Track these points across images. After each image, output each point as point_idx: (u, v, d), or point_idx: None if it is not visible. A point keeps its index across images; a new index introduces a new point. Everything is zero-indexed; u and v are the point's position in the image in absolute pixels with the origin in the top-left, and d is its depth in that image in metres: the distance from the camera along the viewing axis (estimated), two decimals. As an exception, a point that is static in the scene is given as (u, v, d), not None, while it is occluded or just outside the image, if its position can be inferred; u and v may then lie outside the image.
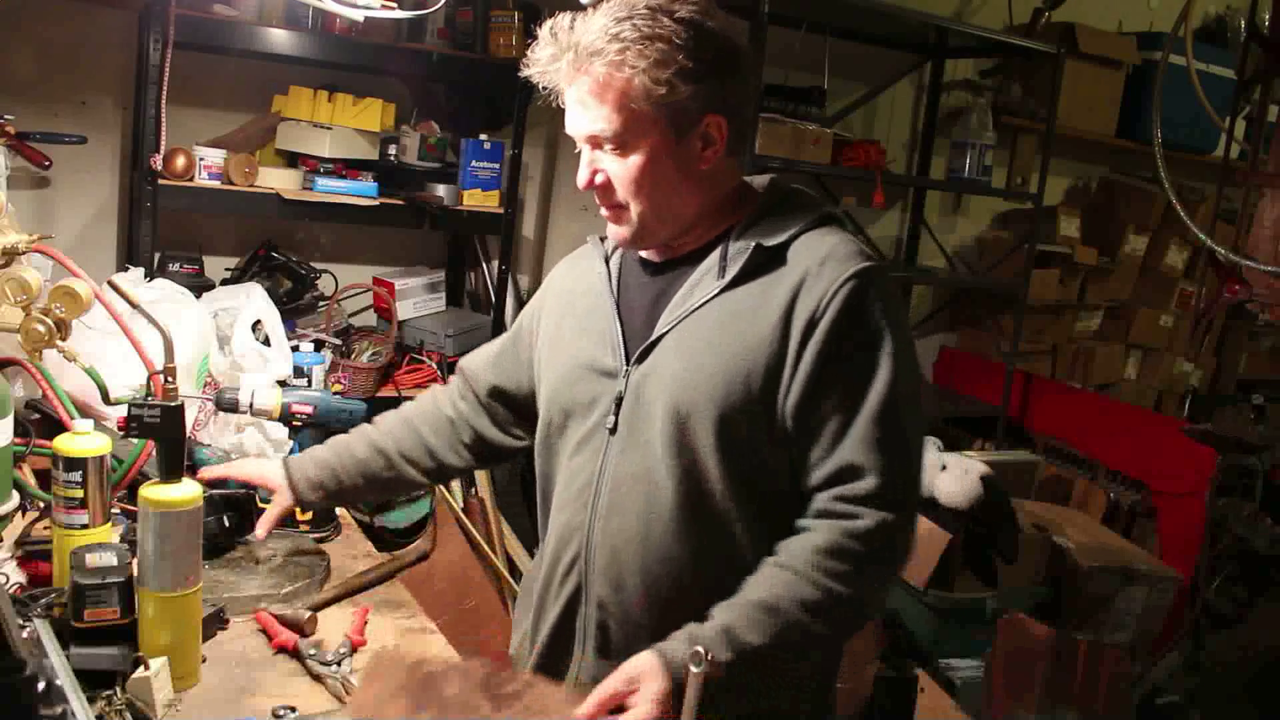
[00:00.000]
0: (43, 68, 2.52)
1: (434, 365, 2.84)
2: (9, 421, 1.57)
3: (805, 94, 3.40)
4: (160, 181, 2.45)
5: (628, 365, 1.32)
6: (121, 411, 1.48)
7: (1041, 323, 4.31)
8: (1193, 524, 3.27)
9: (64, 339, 1.60)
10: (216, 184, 2.56)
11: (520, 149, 2.93)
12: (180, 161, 2.49)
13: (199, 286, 2.49)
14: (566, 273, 1.49)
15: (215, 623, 1.42)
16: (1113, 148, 4.46)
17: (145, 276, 2.25)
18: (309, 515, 1.77)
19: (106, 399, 1.68)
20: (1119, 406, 4.06)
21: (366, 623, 1.52)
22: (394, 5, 2.12)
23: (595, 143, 1.27)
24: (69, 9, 2.50)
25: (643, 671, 1.15)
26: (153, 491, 1.27)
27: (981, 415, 3.94)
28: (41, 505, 1.63)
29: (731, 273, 1.27)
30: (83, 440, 1.39)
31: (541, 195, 3.34)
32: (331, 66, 2.73)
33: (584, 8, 1.25)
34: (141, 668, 1.22)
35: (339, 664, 1.38)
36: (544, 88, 1.28)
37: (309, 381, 2.39)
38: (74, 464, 1.38)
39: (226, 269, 2.80)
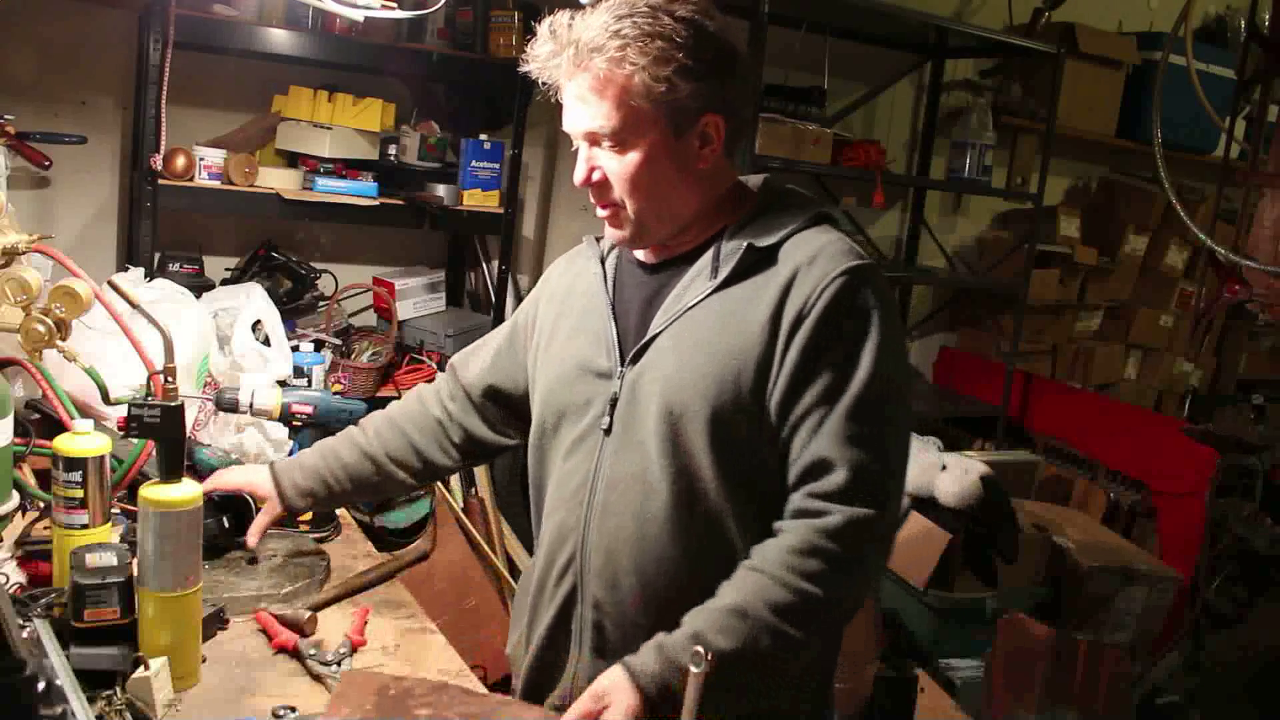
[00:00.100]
0: (43, 68, 2.52)
1: (434, 365, 2.83)
2: (9, 421, 1.57)
3: (805, 94, 3.40)
4: (160, 181, 2.44)
5: (622, 366, 1.32)
6: (121, 411, 1.48)
7: (1041, 323, 4.31)
8: (1193, 524, 3.27)
9: (64, 339, 1.60)
10: (216, 184, 2.56)
11: (520, 149, 2.93)
12: (180, 161, 2.49)
13: (199, 286, 2.49)
14: (562, 273, 1.49)
15: (215, 623, 1.42)
16: (1113, 148, 4.46)
17: (145, 276, 2.25)
18: (309, 515, 1.77)
19: (106, 399, 1.68)
20: (1119, 406, 4.06)
21: (366, 623, 1.52)
22: (394, 5, 2.12)
23: (593, 140, 1.27)
24: (69, 9, 2.50)
25: (610, 688, 1.15)
26: (153, 491, 1.27)
27: (981, 415, 3.94)
28: (41, 505, 1.63)
29: (724, 273, 1.28)
30: (83, 440, 1.39)
31: (541, 195, 3.34)
32: (331, 66, 2.73)
33: (583, 6, 1.26)
34: (141, 668, 1.22)
35: (339, 664, 1.38)
36: (543, 84, 1.28)
37: (309, 381, 2.39)
38: (74, 464, 1.38)
39: (226, 269, 2.80)
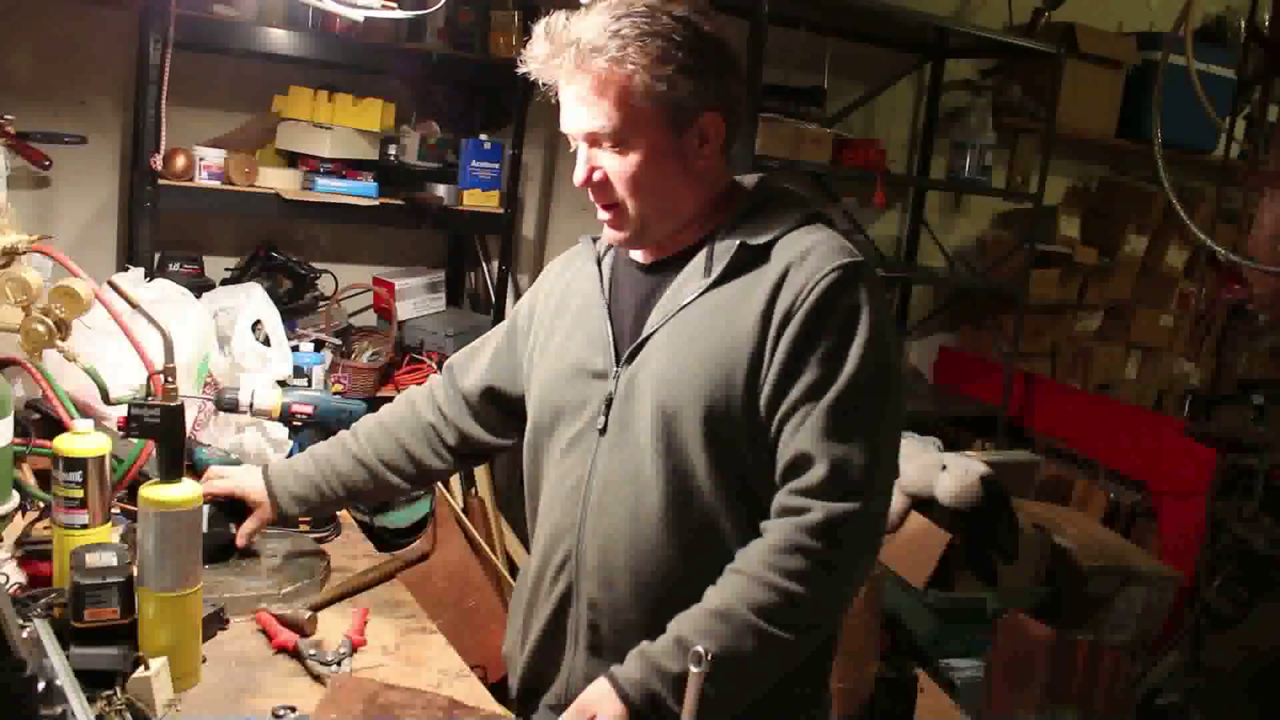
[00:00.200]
0: (43, 68, 2.52)
1: (434, 365, 2.83)
2: (9, 421, 1.57)
3: (805, 94, 3.40)
4: (160, 181, 2.44)
5: (617, 366, 1.32)
6: (121, 411, 1.48)
7: (1041, 323, 4.31)
8: (1193, 524, 3.27)
9: (64, 339, 1.60)
10: (216, 184, 2.55)
11: (520, 149, 2.93)
12: (180, 161, 2.49)
13: (199, 286, 2.49)
14: (559, 273, 1.49)
15: (215, 623, 1.42)
16: (1113, 148, 4.46)
17: (145, 276, 2.25)
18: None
19: (106, 399, 1.68)
20: (1119, 406, 4.06)
21: (366, 623, 1.52)
22: (394, 5, 2.13)
23: (593, 140, 1.27)
24: (69, 9, 2.50)
25: (597, 699, 1.16)
26: (153, 491, 1.27)
27: (981, 415, 3.94)
28: (41, 505, 1.63)
29: (716, 271, 1.28)
30: (83, 440, 1.39)
31: (541, 195, 3.34)
32: (331, 66, 2.73)
33: (578, 6, 1.25)
34: (141, 668, 1.22)
35: (339, 664, 1.38)
36: (543, 84, 1.28)
37: (309, 381, 2.39)
38: (74, 464, 1.38)
39: (226, 269, 2.80)
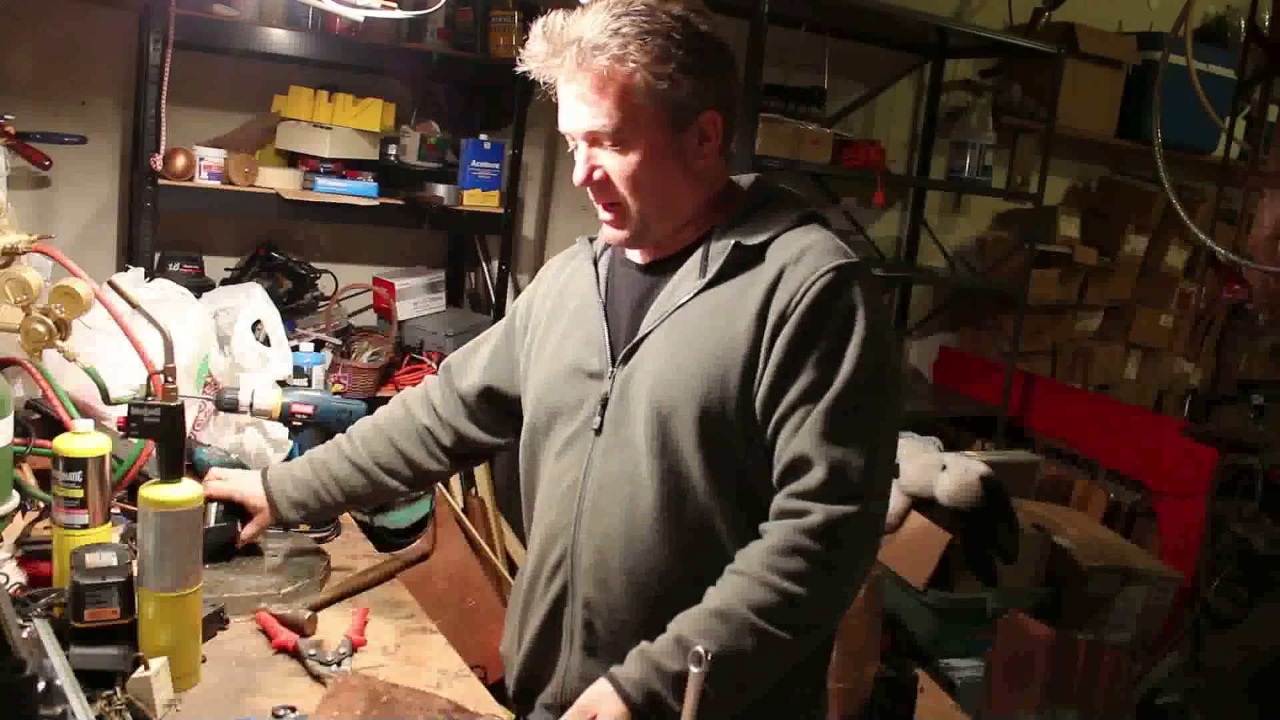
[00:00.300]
0: (43, 68, 2.52)
1: (434, 365, 2.83)
2: (9, 421, 1.57)
3: (805, 94, 3.40)
4: (160, 181, 2.44)
5: (613, 367, 1.32)
6: (121, 411, 1.48)
7: (1041, 323, 4.31)
8: (1193, 524, 3.27)
9: (64, 339, 1.60)
10: (216, 184, 2.55)
11: (520, 149, 2.93)
12: (180, 161, 2.49)
13: (199, 286, 2.49)
14: (556, 273, 1.49)
15: (215, 623, 1.42)
16: (1113, 148, 4.46)
17: (145, 276, 2.25)
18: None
19: (106, 399, 1.68)
20: (1119, 406, 4.06)
21: (366, 623, 1.52)
22: (394, 5, 2.12)
23: (594, 140, 1.27)
24: (69, 9, 2.50)
25: (597, 699, 1.16)
26: (153, 491, 1.27)
27: (981, 415, 3.94)
28: (41, 505, 1.63)
29: (712, 271, 1.28)
30: (83, 440, 1.39)
31: (541, 195, 3.34)
32: (331, 66, 2.73)
33: (575, 6, 1.25)
34: (141, 668, 1.22)
35: (339, 664, 1.38)
36: (543, 83, 1.28)
37: (309, 381, 2.39)
38: (74, 464, 1.38)
39: (226, 269, 2.80)
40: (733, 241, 1.28)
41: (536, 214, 3.35)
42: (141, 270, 2.27)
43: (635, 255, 1.38)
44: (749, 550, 1.22)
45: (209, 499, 1.58)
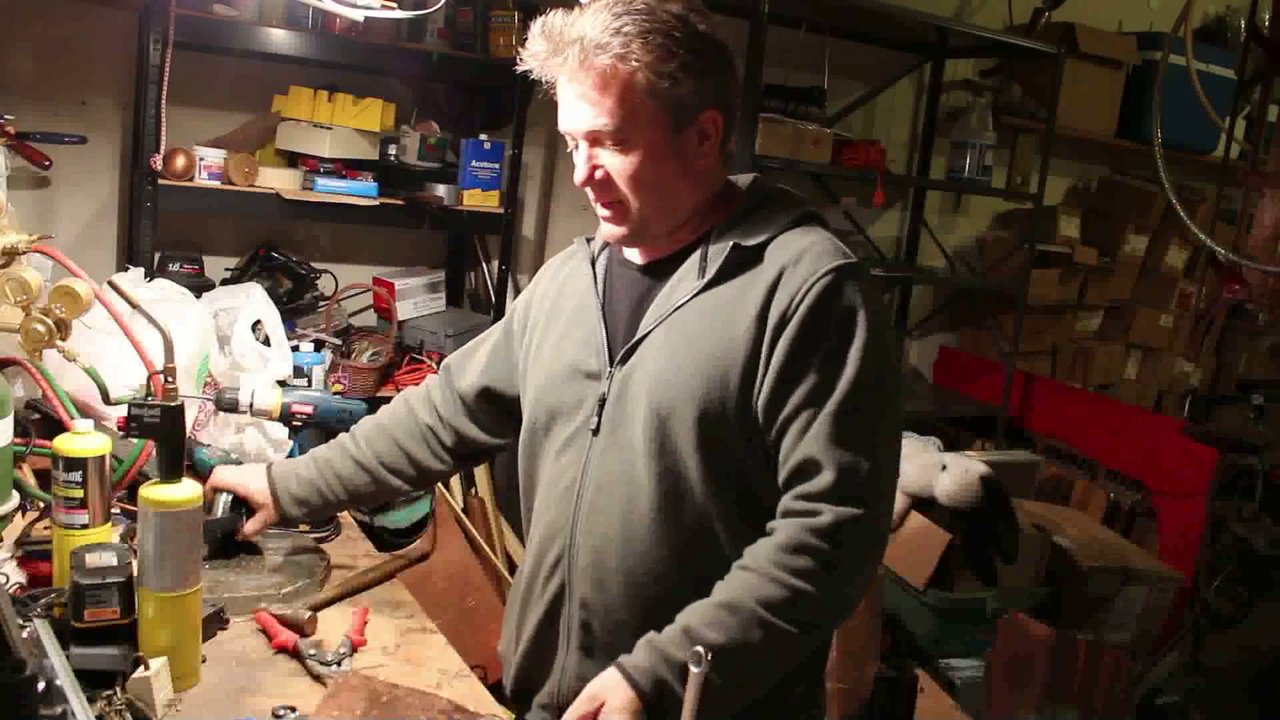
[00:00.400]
0: (43, 68, 2.52)
1: (434, 365, 2.83)
2: (9, 421, 1.57)
3: (805, 94, 3.40)
4: (160, 181, 2.44)
5: (611, 367, 1.32)
6: (121, 411, 1.48)
7: (1041, 323, 4.31)
8: (1193, 524, 3.27)
9: (64, 339, 1.60)
10: (216, 184, 2.55)
11: (520, 149, 2.93)
12: (180, 161, 2.49)
13: (199, 286, 2.49)
14: (554, 274, 1.50)
15: (215, 623, 1.42)
16: (1113, 148, 4.46)
17: (145, 276, 2.25)
18: (308, 516, 1.77)
19: (106, 399, 1.68)
20: (1119, 406, 4.06)
21: (366, 623, 1.52)
22: (394, 5, 2.13)
23: (595, 139, 1.27)
24: (69, 9, 2.50)
25: (605, 686, 1.16)
26: (153, 491, 1.27)
27: (981, 415, 3.94)
28: (41, 505, 1.63)
29: (710, 272, 1.28)
30: (83, 440, 1.39)
31: (541, 195, 3.34)
32: (331, 66, 2.73)
33: (574, 5, 1.25)
34: (141, 668, 1.22)
35: (339, 664, 1.38)
36: (545, 82, 1.28)
37: (309, 381, 2.39)
38: (74, 464, 1.38)
39: (226, 269, 2.80)
40: (731, 242, 1.28)
41: (536, 214, 3.35)
42: (141, 270, 2.27)
43: (634, 255, 1.38)
44: (757, 547, 1.22)
45: (216, 489, 1.59)
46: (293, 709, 1.25)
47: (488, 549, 2.72)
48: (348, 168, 2.70)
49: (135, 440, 1.68)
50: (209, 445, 2.00)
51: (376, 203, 2.72)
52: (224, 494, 1.60)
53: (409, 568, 1.80)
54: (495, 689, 1.48)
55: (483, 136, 2.89)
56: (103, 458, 1.40)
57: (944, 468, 2.71)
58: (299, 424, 1.84)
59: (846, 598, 1.25)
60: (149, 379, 1.47)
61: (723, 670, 1.11)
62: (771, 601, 1.17)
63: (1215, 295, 3.41)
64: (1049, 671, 2.48)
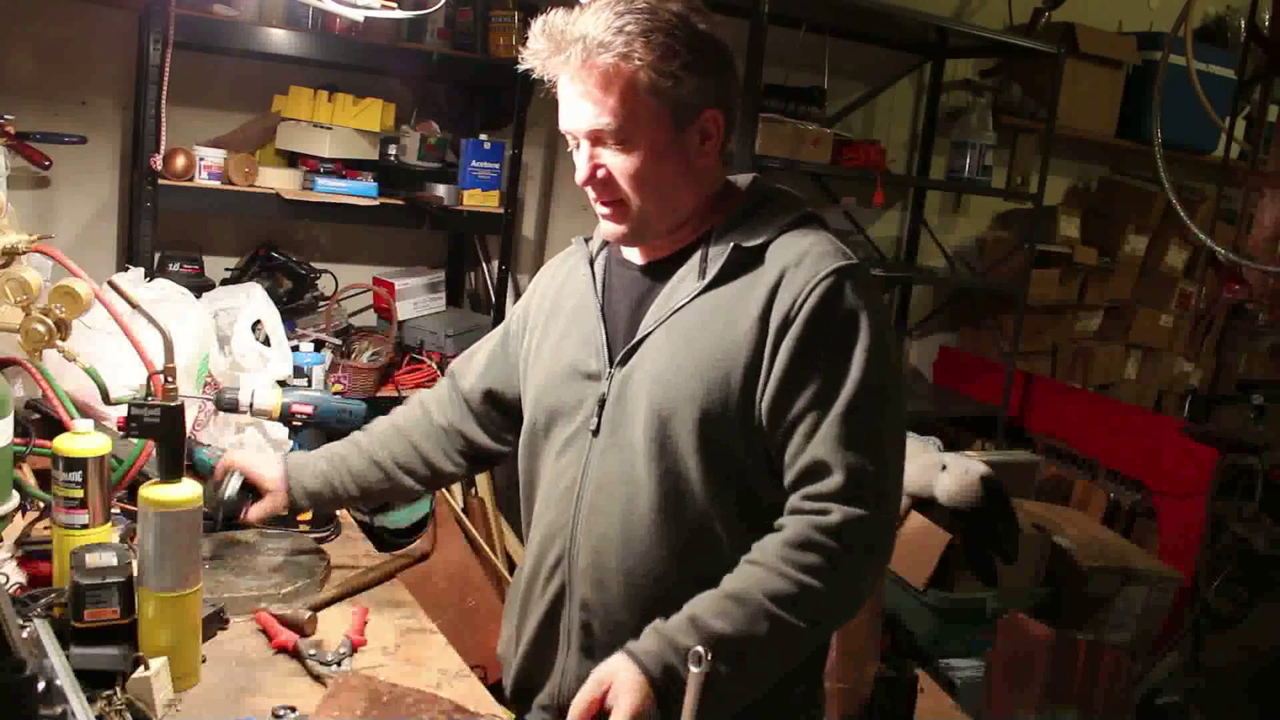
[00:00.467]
0: (43, 68, 2.52)
1: (434, 365, 2.84)
2: (9, 421, 1.57)
3: (805, 94, 3.40)
4: (160, 181, 2.44)
5: (611, 367, 1.32)
6: (121, 411, 1.48)
7: (1041, 323, 4.31)
8: (1193, 524, 3.27)
9: (64, 339, 1.60)
10: (216, 184, 2.56)
11: (520, 149, 2.93)
12: (180, 161, 2.49)
13: (199, 286, 2.49)
14: (552, 275, 1.50)
15: (215, 623, 1.42)
16: (1113, 148, 4.46)
17: (145, 276, 2.25)
18: (308, 515, 1.77)
19: (106, 399, 1.68)
20: (1119, 406, 4.06)
21: (366, 623, 1.52)
22: (394, 5, 2.12)
23: (597, 138, 1.26)
24: (69, 9, 2.51)
25: (612, 670, 1.15)
26: (153, 491, 1.27)
27: (981, 415, 3.94)
28: (41, 505, 1.63)
29: (711, 273, 1.28)
30: (83, 440, 1.39)
31: (541, 195, 3.34)
32: (331, 66, 2.73)
33: (574, 5, 1.25)
34: (141, 668, 1.22)
35: (339, 664, 1.38)
36: (548, 80, 1.28)
37: (309, 381, 2.39)
38: (74, 464, 1.38)
39: (226, 269, 2.80)
40: (732, 244, 1.28)
41: (536, 214, 3.35)
42: (141, 270, 2.27)
43: (633, 255, 1.38)
44: (765, 543, 1.22)
45: (229, 469, 1.58)
46: (293, 709, 1.25)
47: (488, 549, 2.72)
48: (348, 168, 2.70)
49: (135, 440, 1.68)
50: (209, 445, 2.00)
51: (376, 203, 2.72)
52: (235, 474, 1.58)
53: (409, 568, 1.80)
54: (495, 689, 1.48)
55: (483, 136, 2.89)
56: (103, 458, 1.40)
57: (944, 468, 2.71)
58: (299, 424, 1.84)
59: (852, 596, 1.25)
60: (149, 379, 1.47)
61: (727, 660, 1.12)
62: (779, 595, 1.17)
63: (1215, 295, 3.41)
64: (1049, 671, 2.48)
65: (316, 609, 1.53)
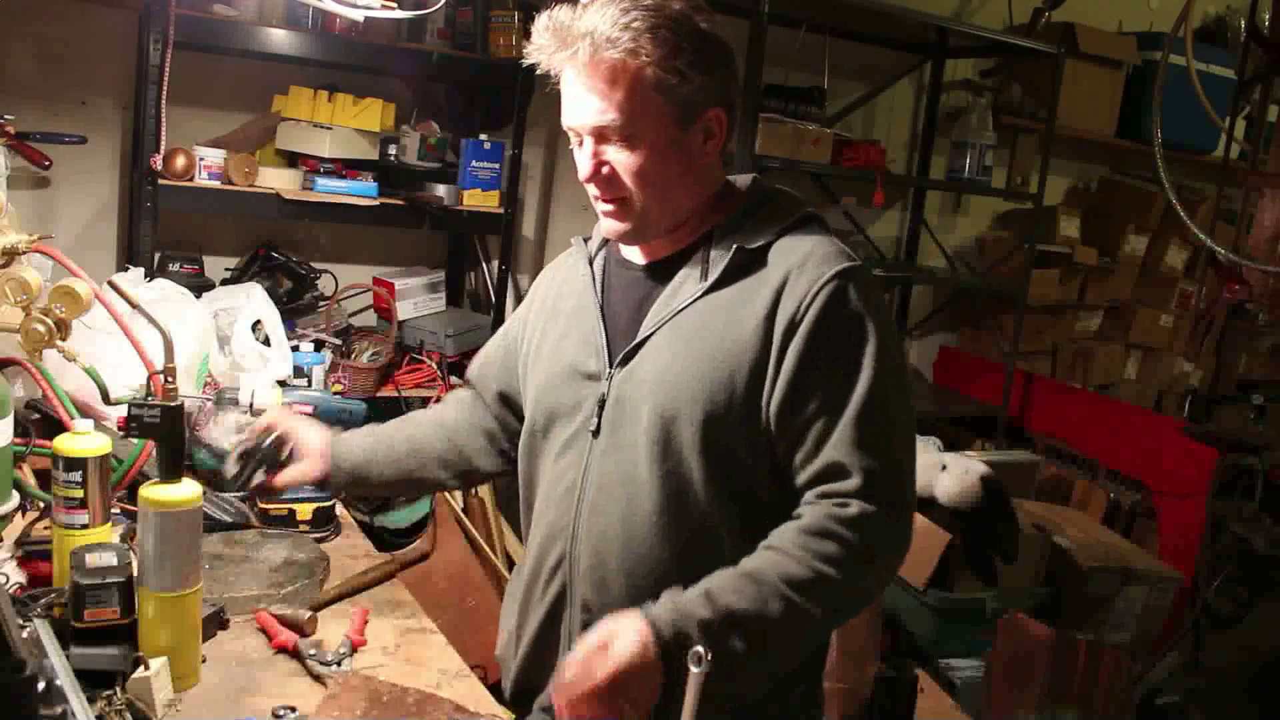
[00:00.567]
0: (43, 68, 2.52)
1: (434, 365, 2.84)
2: (9, 421, 1.57)
3: (805, 94, 3.40)
4: (160, 181, 2.45)
5: (611, 368, 1.32)
6: (121, 411, 1.48)
7: (1041, 323, 4.31)
8: (1193, 524, 3.27)
9: (64, 339, 1.60)
10: (216, 184, 2.56)
11: (520, 149, 2.93)
12: (180, 161, 2.49)
13: (199, 286, 2.49)
14: (552, 276, 1.50)
15: (215, 623, 1.42)
16: (1113, 148, 4.46)
17: (145, 276, 2.25)
18: (309, 514, 1.78)
19: (106, 399, 1.68)
20: (1119, 406, 4.06)
21: (366, 623, 1.52)
22: (394, 5, 2.13)
23: (601, 134, 1.26)
24: (69, 9, 2.51)
25: (619, 622, 1.15)
26: (153, 491, 1.27)
27: (981, 415, 3.94)
28: (41, 505, 1.63)
29: (714, 275, 1.28)
30: (83, 440, 1.39)
31: (541, 195, 3.34)
32: (331, 66, 2.73)
33: (574, 3, 1.25)
34: (141, 668, 1.22)
35: (339, 664, 1.38)
36: (553, 75, 1.27)
37: (309, 381, 2.39)
38: (74, 464, 1.38)
39: (226, 269, 2.80)
40: (734, 245, 1.28)
41: (536, 214, 3.35)
42: (141, 270, 2.27)
43: (634, 255, 1.38)
44: (783, 529, 1.22)
45: (269, 429, 1.51)
46: (293, 709, 1.25)
47: (488, 549, 2.72)
48: (348, 168, 2.70)
49: (135, 440, 1.68)
50: (209, 445, 2.00)
51: (376, 203, 2.72)
52: (272, 435, 1.51)
53: (409, 568, 1.80)
54: (495, 689, 1.48)
55: (483, 136, 2.89)
56: (103, 458, 1.40)
57: (944, 468, 2.71)
58: (299, 424, 1.83)
59: (865, 589, 1.25)
60: (149, 379, 1.46)
61: (737, 635, 1.12)
62: (794, 579, 1.17)
63: (1215, 295, 3.41)
64: (1049, 671, 2.48)
65: (316, 609, 1.52)
